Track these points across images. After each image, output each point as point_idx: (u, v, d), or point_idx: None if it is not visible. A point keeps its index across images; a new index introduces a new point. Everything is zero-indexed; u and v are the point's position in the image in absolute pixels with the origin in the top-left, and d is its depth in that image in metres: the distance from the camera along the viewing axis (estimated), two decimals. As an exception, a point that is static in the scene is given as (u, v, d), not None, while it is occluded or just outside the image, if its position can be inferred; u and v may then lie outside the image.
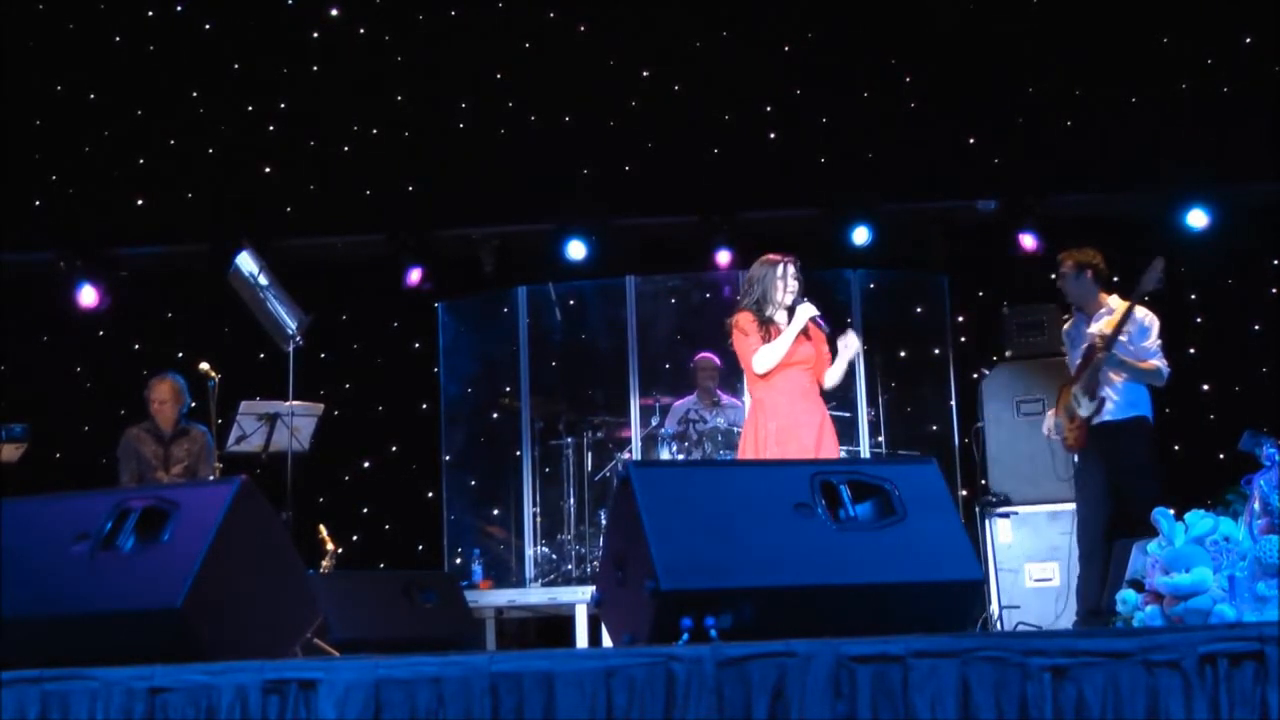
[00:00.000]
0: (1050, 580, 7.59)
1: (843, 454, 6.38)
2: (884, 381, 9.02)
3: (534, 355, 8.96)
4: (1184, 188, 9.04)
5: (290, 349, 7.06)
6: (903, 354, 9.37)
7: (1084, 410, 6.25)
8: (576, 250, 9.43)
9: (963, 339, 9.30)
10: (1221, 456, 7.21)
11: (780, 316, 5.68)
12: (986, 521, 7.71)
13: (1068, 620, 7.16)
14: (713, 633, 3.27)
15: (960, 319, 9.32)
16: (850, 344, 5.69)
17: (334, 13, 9.65)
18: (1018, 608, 7.39)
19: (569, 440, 8.82)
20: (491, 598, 8.12)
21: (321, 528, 7.58)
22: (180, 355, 8.77)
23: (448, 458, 9.20)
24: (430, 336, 9.47)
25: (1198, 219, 9.02)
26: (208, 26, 9.65)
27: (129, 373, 8.84)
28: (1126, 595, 4.38)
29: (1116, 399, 6.22)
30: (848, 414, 8.37)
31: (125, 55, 9.59)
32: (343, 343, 9.70)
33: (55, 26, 9.45)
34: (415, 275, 9.57)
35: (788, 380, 5.62)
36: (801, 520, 3.54)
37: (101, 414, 9.16)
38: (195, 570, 3.36)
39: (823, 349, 5.70)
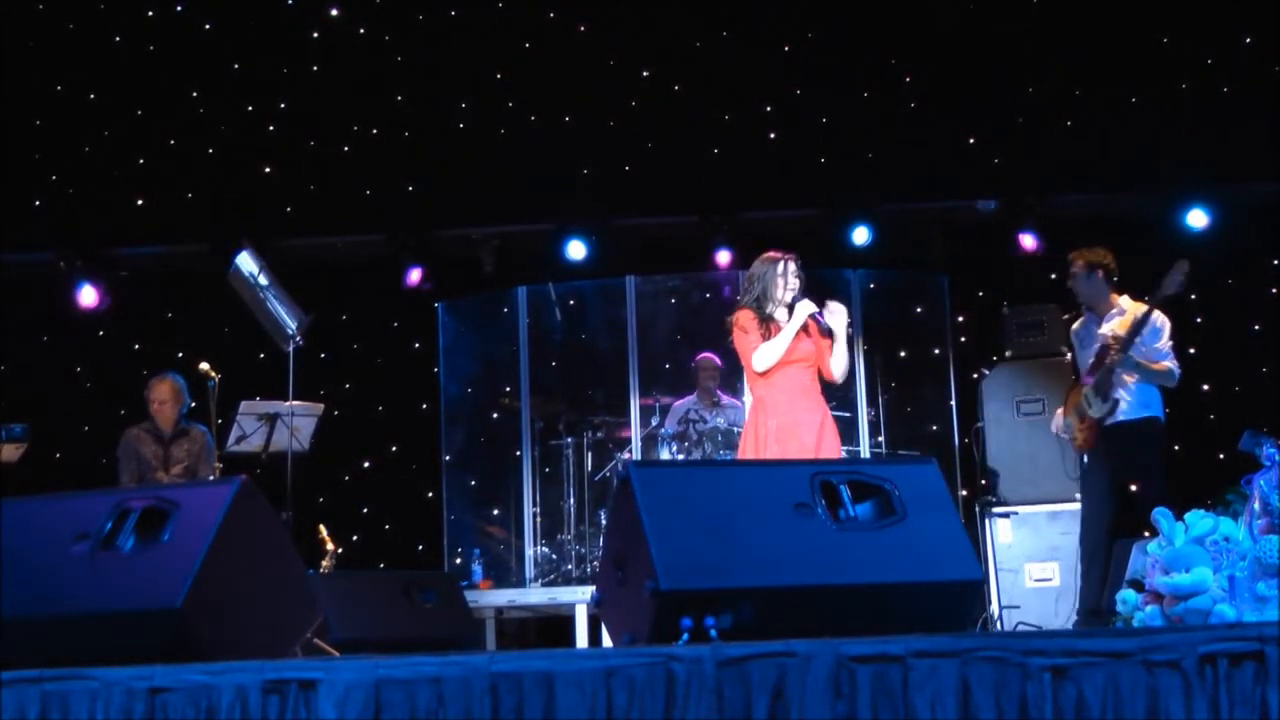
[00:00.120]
0: (1050, 580, 7.59)
1: (843, 453, 6.36)
2: (884, 381, 9.02)
3: (534, 355, 8.96)
4: (1184, 188, 9.04)
5: (290, 349, 7.06)
6: (903, 354, 9.37)
7: (1096, 411, 6.25)
8: (576, 250, 9.43)
9: (963, 339, 9.30)
10: (1221, 456, 7.21)
11: (781, 314, 5.67)
12: (986, 521, 7.71)
13: (1067, 620, 7.16)
14: (713, 633, 3.27)
15: (960, 319, 9.32)
16: (835, 310, 5.63)
17: (334, 13, 9.65)
18: (1018, 608, 7.39)
19: (569, 440, 8.82)
20: (491, 598, 8.12)
21: (321, 528, 7.58)
22: (180, 355, 8.77)
23: (448, 458, 9.20)
24: (430, 336, 9.47)
25: (1198, 219, 9.02)
26: (208, 26, 9.65)
27: (129, 373, 8.84)
28: (1126, 595, 4.38)
29: (1130, 400, 6.23)
30: (848, 414, 8.37)
31: (125, 55, 9.58)
32: (343, 343, 9.70)
33: (55, 26, 9.45)
34: (415, 275, 9.57)
35: (788, 378, 5.61)
36: (801, 520, 3.54)
37: (101, 414, 9.16)
38: (195, 570, 3.36)
39: (824, 345, 5.69)
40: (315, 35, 9.67)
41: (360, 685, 2.81)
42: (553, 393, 9.08)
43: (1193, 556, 4.03)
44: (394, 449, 9.83)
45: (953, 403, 8.93)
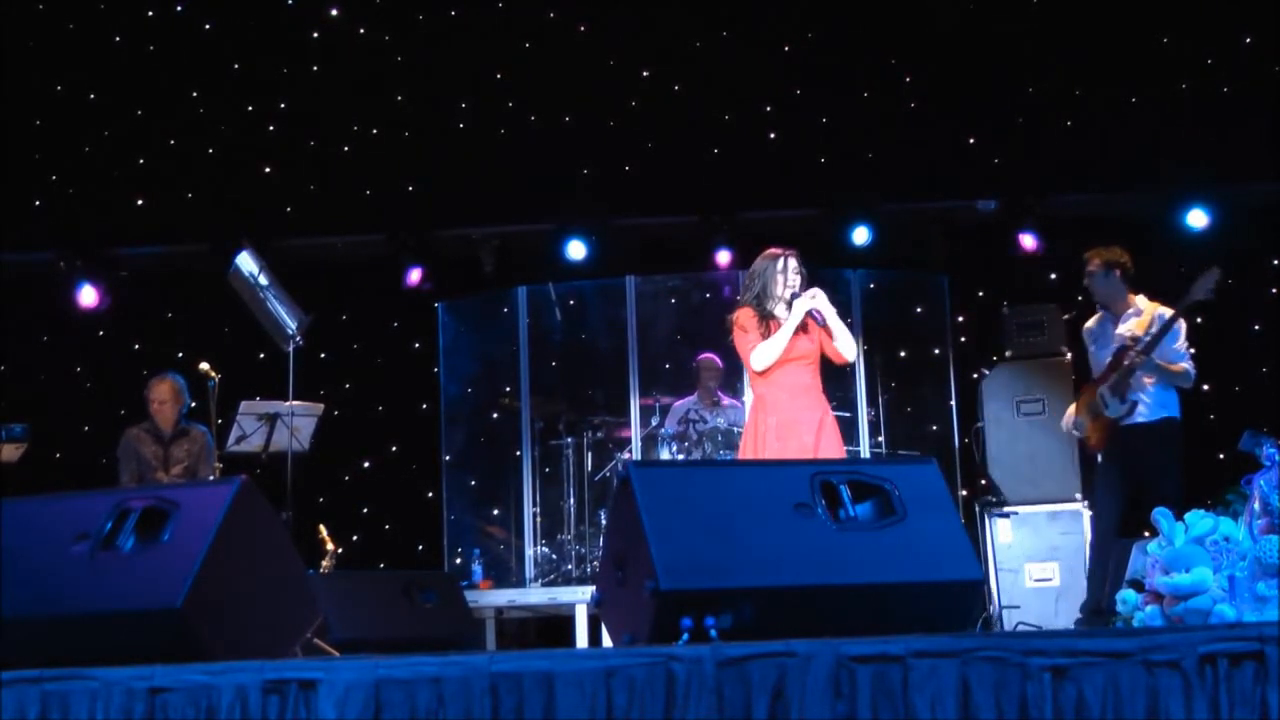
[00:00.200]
0: (1050, 580, 7.59)
1: (845, 452, 6.35)
2: (884, 381, 9.02)
3: (534, 355, 8.95)
4: (1184, 188, 9.04)
5: (290, 349, 7.06)
6: (903, 354, 9.37)
7: (1112, 411, 6.26)
8: (576, 250, 9.43)
9: (963, 339, 9.30)
10: (1221, 456, 7.21)
11: (781, 311, 5.65)
12: (986, 521, 7.71)
13: (1068, 620, 7.17)
14: (713, 633, 3.27)
15: (960, 319, 9.32)
16: (813, 296, 5.58)
17: (334, 13, 9.65)
18: (1018, 608, 7.39)
19: (569, 440, 8.82)
20: (491, 598, 8.12)
21: (321, 528, 7.58)
22: (180, 355, 8.77)
23: (448, 458, 9.20)
24: (430, 336, 9.47)
25: (1198, 219, 9.02)
26: (208, 26, 9.65)
27: (129, 373, 8.84)
28: (1126, 595, 4.38)
29: (1149, 402, 6.23)
30: (848, 414, 8.37)
31: (125, 55, 9.58)
32: (343, 343, 9.70)
33: (55, 26, 9.45)
34: (415, 275, 9.57)
35: (788, 376, 5.60)
36: (801, 520, 3.54)
37: (101, 414, 9.16)
38: (195, 570, 3.36)
39: (825, 339, 5.67)
40: (315, 35, 9.67)
41: (360, 685, 2.81)
42: (553, 393, 9.08)
43: (1193, 556, 4.03)
44: (394, 449, 9.83)
45: (953, 403, 8.93)
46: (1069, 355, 8.00)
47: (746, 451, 5.66)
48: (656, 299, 9.11)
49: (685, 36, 9.55)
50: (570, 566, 8.49)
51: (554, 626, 8.56)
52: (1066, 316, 8.20)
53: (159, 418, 7.35)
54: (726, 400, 8.64)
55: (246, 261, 7.06)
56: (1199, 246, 8.86)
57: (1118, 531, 6.18)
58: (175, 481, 7.06)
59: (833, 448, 5.57)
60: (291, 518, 6.87)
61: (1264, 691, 2.57)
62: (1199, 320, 8.97)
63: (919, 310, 9.26)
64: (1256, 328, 9.13)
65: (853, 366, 8.55)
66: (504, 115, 9.64)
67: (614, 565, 3.71)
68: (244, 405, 7.44)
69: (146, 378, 7.57)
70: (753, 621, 3.30)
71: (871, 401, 8.80)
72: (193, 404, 7.40)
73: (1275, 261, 9.31)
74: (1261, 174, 8.86)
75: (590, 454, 8.75)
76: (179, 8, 9.61)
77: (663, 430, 8.42)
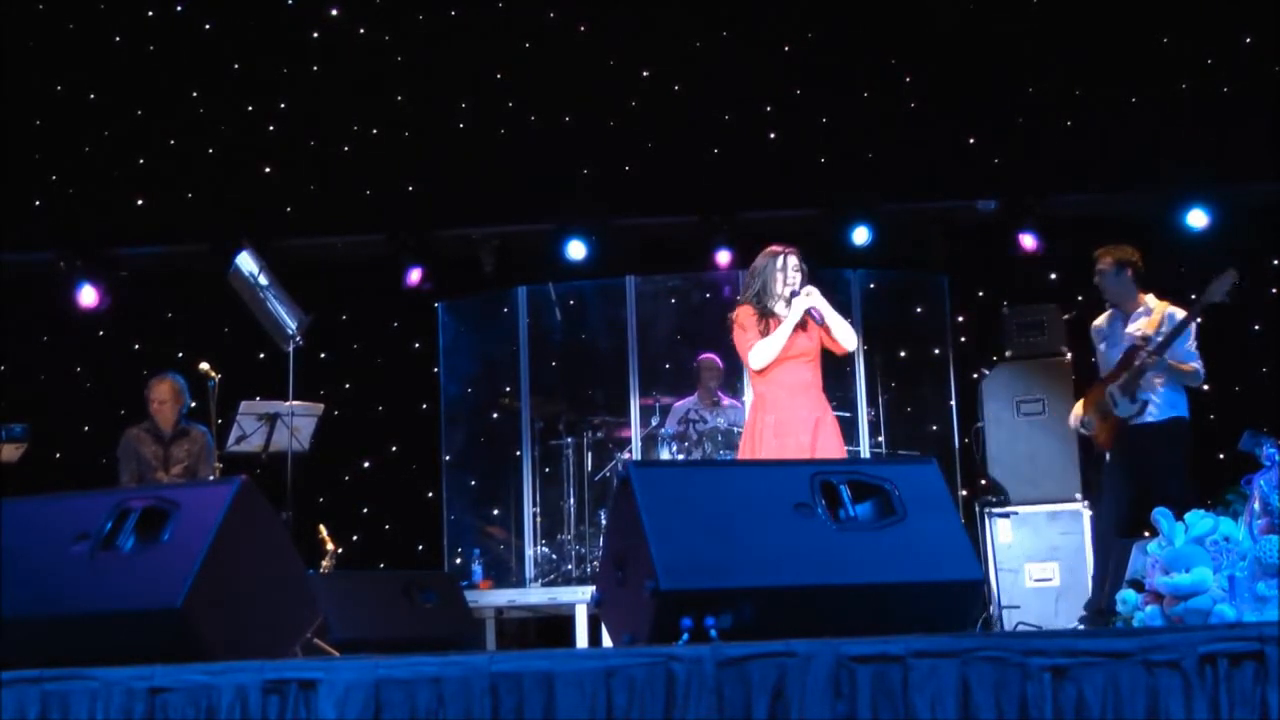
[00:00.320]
0: (1050, 580, 7.59)
1: (845, 451, 6.34)
2: (884, 381, 9.02)
3: (534, 355, 8.95)
4: (1184, 188, 9.04)
5: (290, 349, 7.06)
6: (903, 354, 9.37)
7: (1121, 411, 6.26)
8: (576, 250, 9.43)
9: (963, 339, 9.30)
10: (1221, 456, 7.21)
11: (781, 309, 5.65)
12: (986, 521, 7.71)
13: (1068, 620, 7.16)
14: (713, 633, 3.27)
15: (960, 319, 9.32)
16: (808, 294, 5.59)
17: (334, 13, 9.65)
18: (1018, 608, 7.39)
19: (569, 440, 8.82)
20: (491, 598, 8.12)
21: (321, 528, 7.58)
22: (180, 355, 8.77)
23: (448, 458, 9.20)
24: (430, 336, 9.47)
25: (1198, 219, 9.02)
26: (208, 26, 9.65)
27: (129, 373, 8.84)
28: (1126, 595, 4.38)
29: (1158, 402, 6.23)
30: (848, 414, 8.37)
31: (125, 55, 9.58)
32: (343, 343, 9.70)
33: (55, 26, 9.45)
34: (415, 275, 9.57)
35: (787, 374, 5.60)
36: (801, 520, 3.54)
37: (101, 414, 9.16)
38: (195, 570, 3.36)
39: (824, 336, 5.67)
40: (315, 35, 9.67)
41: (360, 685, 2.81)
42: (553, 393, 9.08)
43: (1193, 556, 4.03)
44: (394, 449, 9.82)
45: (953, 403, 8.93)
46: (1069, 355, 8.00)
47: (745, 450, 5.67)
48: (656, 299, 9.11)
49: (685, 36, 9.54)
50: (570, 566, 8.48)
51: (554, 626, 8.56)
52: (1066, 316, 8.20)
53: (159, 418, 7.35)
54: (727, 400, 8.65)
55: (246, 261, 7.06)
56: (1199, 246, 8.86)
57: (1124, 532, 6.17)
58: (175, 481, 7.06)
59: (831, 446, 5.56)
60: (291, 518, 6.86)
61: (1264, 691, 2.57)
62: (1199, 320, 8.98)
63: (919, 310, 9.26)
64: (1256, 328, 9.13)
65: (853, 367, 8.58)
66: (504, 115, 9.64)
67: (614, 565, 3.71)
68: (244, 405, 7.43)
69: (146, 378, 7.57)
70: (753, 621, 3.30)
71: (871, 401, 8.80)
72: (193, 404, 7.40)
73: (1275, 261, 9.31)
74: (1261, 174, 8.86)
75: (590, 454, 8.75)
76: (179, 8, 9.61)
77: (663, 430, 8.42)
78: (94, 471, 8.17)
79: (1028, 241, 9.21)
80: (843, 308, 8.53)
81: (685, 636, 3.26)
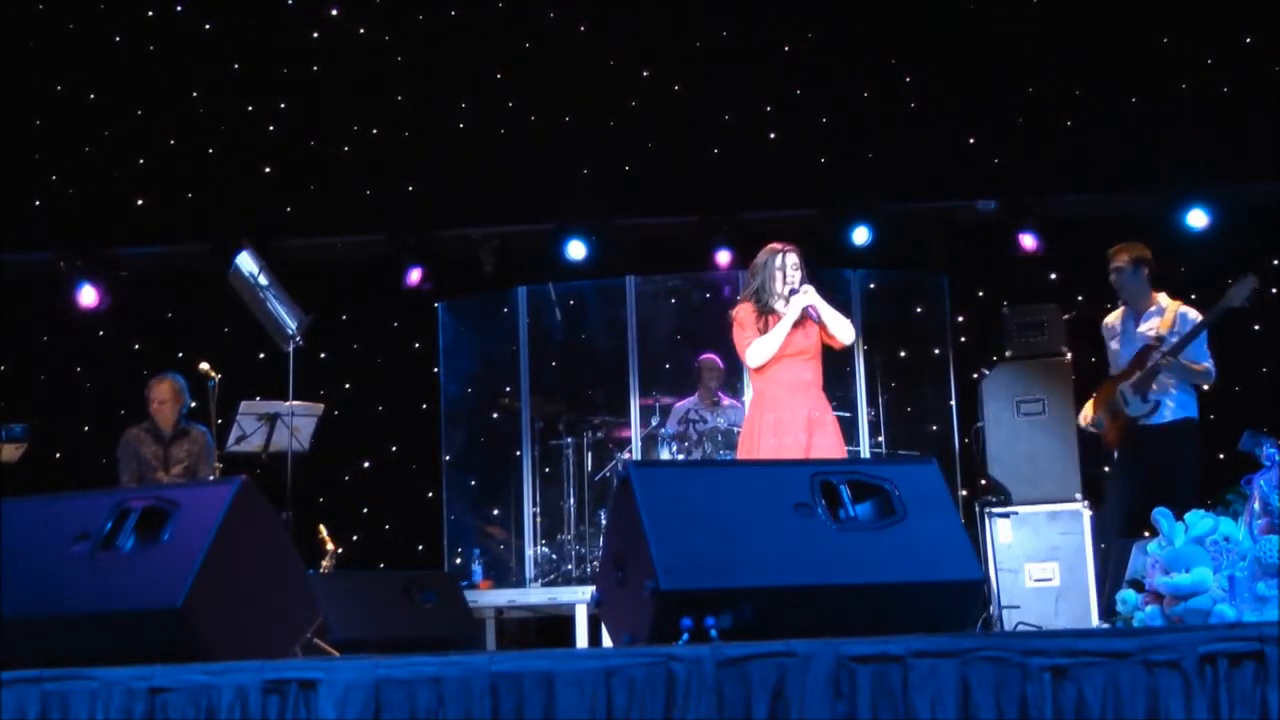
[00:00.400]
0: (1050, 580, 7.59)
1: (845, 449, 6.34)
2: (884, 381, 9.02)
3: (534, 355, 8.95)
4: (1184, 188, 9.04)
5: (290, 349, 7.06)
6: (903, 354, 9.37)
7: (1133, 410, 6.26)
8: (576, 250, 9.43)
9: (963, 339, 9.30)
10: (1221, 456, 7.21)
11: (781, 306, 5.66)
12: (986, 521, 7.70)
13: (1068, 620, 7.16)
14: (713, 633, 3.27)
15: (960, 319, 9.32)
16: (804, 293, 5.59)
17: (334, 13, 9.65)
18: (1018, 608, 7.39)
19: (569, 440, 8.82)
20: (491, 598, 8.12)
21: (321, 528, 7.58)
22: (180, 355, 8.76)
23: (448, 458, 9.20)
24: (430, 336, 9.47)
25: (1198, 219, 9.02)
26: (208, 26, 9.65)
27: (129, 373, 8.84)
28: (1126, 595, 4.37)
29: (1171, 404, 6.23)
30: (848, 414, 8.36)
31: (125, 55, 9.58)
32: (343, 343, 9.70)
33: (55, 26, 9.45)
34: (415, 275, 9.57)
35: (786, 372, 5.60)
36: (801, 520, 3.54)
37: (101, 414, 9.16)
38: (195, 570, 3.36)
39: (823, 333, 5.67)
40: (315, 35, 9.67)
41: (360, 685, 2.81)
42: (553, 393, 9.08)
43: (1193, 556, 4.02)
44: (394, 449, 9.82)
45: (953, 403, 8.93)
46: (1069, 355, 8.00)
47: (744, 448, 5.67)
48: (656, 299, 9.10)
49: (685, 36, 9.55)
50: (570, 566, 8.48)
51: (554, 626, 8.56)
52: (1066, 316, 8.20)
53: (159, 418, 7.35)
54: (727, 400, 8.65)
55: (246, 261, 7.06)
56: (1199, 246, 8.86)
57: (1128, 532, 6.17)
58: (175, 481, 7.06)
59: (830, 445, 5.56)
60: (291, 518, 6.86)
61: (1264, 691, 2.57)
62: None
63: (919, 310, 9.26)
64: (1256, 328, 9.12)
65: (853, 367, 8.57)
66: (504, 115, 9.64)
67: (614, 565, 3.71)
68: (244, 405, 7.43)
69: (146, 378, 7.57)
70: (753, 621, 3.30)
71: (871, 401, 8.79)
72: (193, 404, 7.40)
73: (1275, 261, 9.30)
74: (1261, 174, 8.86)
75: (590, 454, 8.75)
76: (179, 8, 9.61)
77: (663, 430, 8.42)
78: (94, 471, 8.17)
79: (1028, 241, 9.21)
80: (843, 307, 8.49)
81: (685, 636, 3.26)
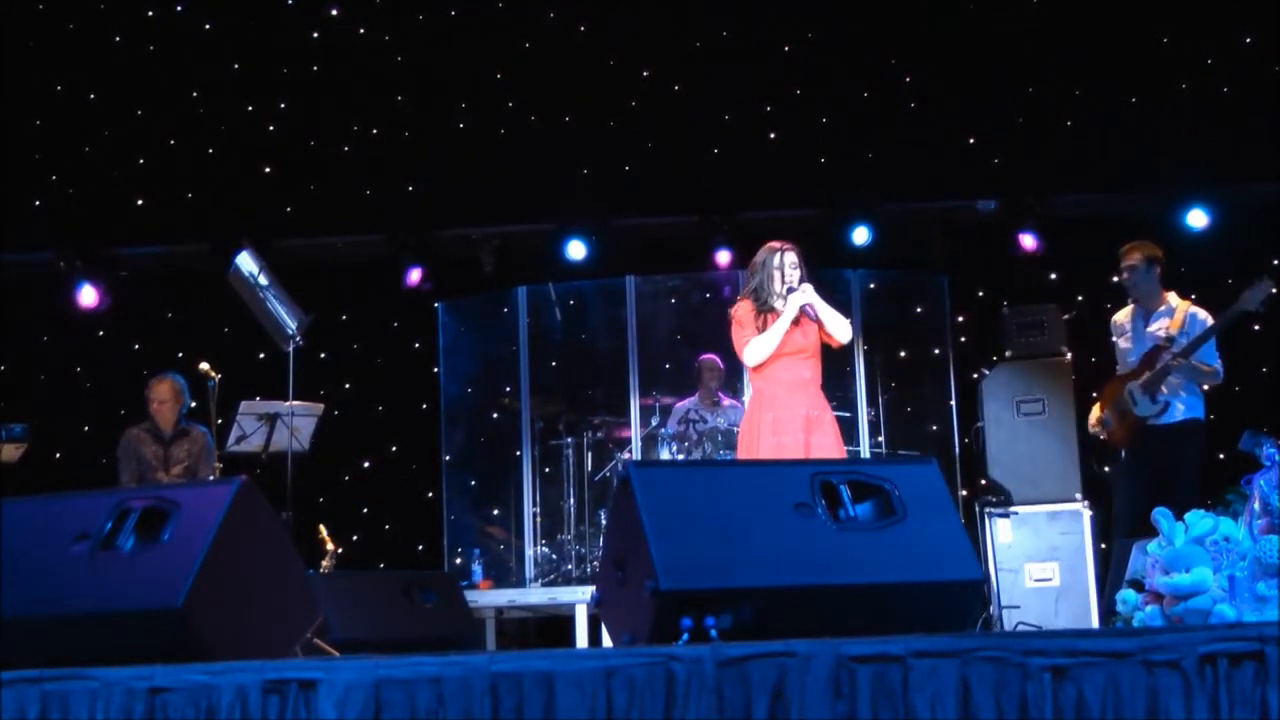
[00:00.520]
0: (1050, 580, 7.59)
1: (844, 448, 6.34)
2: (884, 381, 9.02)
3: (534, 355, 8.96)
4: (1184, 188, 9.04)
5: (290, 349, 7.06)
6: (903, 354, 9.37)
7: (1141, 410, 6.25)
8: (576, 250, 9.43)
9: (963, 339, 9.30)
10: (1221, 456, 7.21)
11: (780, 305, 5.66)
12: (986, 521, 7.71)
13: (1068, 620, 7.16)
14: (713, 633, 3.27)
15: (960, 319, 9.32)
16: (802, 292, 5.61)
17: (334, 13, 9.65)
18: (1018, 608, 7.39)
19: (569, 440, 8.82)
20: (491, 598, 8.12)
21: (321, 528, 7.58)
22: (180, 355, 8.76)
23: (448, 458, 9.20)
24: (430, 336, 9.47)
25: (1198, 219, 9.02)
26: (208, 26, 9.65)
27: (129, 373, 8.85)
28: (1126, 595, 4.37)
29: (1182, 406, 6.23)
30: (848, 414, 8.37)
31: (125, 55, 9.58)
32: (343, 343, 9.70)
33: (55, 26, 9.45)
34: (415, 275, 9.57)
35: (784, 370, 5.61)
36: (801, 520, 3.54)
37: (101, 414, 9.16)
38: (195, 570, 3.36)
39: (821, 331, 5.68)
40: (315, 35, 9.67)
41: (360, 685, 2.81)
42: (553, 393, 9.08)
43: (1193, 556, 4.03)
44: (394, 449, 9.82)
45: (953, 403, 8.93)
46: (1069, 355, 8.00)
47: (743, 447, 5.68)
48: (656, 299, 9.11)
49: (685, 36, 9.54)
50: (570, 566, 8.48)
51: (554, 626, 8.56)
52: (1066, 316, 8.20)
53: (159, 418, 7.35)
54: (727, 401, 8.65)
55: (246, 261, 7.06)
56: (1199, 246, 8.86)
57: (1132, 530, 6.17)
58: (175, 481, 7.06)
59: (828, 444, 5.56)
60: (291, 518, 6.86)
61: (1264, 691, 2.57)
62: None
63: (919, 310, 9.26)
64: (1256, 328, 9.12)
65: (853, 367, 8.58)
66: (504, 115, 9.64)
67: (614, 565, 3.71)
68: (244, 405, 7.44)
69: (146, 378, 7.57)
70: (753, 621, 3.30)
71: (871, 401, 8.80)
72: (193, 404, 7.40)
73: (1275, 261, 9.30)
74: (1261, 174, 8.86)
75: (590, 454, 8.75)
76: (179, 8, 9.61)
77: (663, 430, 8.42)
78: (94, 471, 8.17)
79: (1028, 241, 9.21)
80: (843, 307, 8.49)
81: (685, 636, 3.26)
